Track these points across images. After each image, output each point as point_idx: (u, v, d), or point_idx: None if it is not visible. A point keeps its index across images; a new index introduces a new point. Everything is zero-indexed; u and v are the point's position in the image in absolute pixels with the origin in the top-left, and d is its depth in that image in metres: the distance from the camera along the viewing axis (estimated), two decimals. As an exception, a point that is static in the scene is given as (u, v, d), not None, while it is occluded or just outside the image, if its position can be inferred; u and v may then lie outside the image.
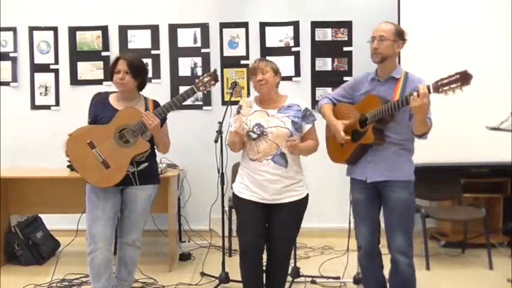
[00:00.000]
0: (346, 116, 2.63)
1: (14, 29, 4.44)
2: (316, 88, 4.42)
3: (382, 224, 2.58)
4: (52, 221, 4.10)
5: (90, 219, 2.64)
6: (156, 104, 2.76)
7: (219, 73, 4.27)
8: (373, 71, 2.62)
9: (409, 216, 2.51)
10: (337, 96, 2.76)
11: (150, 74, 4.40)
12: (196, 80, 2.70)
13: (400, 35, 2.49)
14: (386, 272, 2.59)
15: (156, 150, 2.82)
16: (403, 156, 2.52)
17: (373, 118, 2.45)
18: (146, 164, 2.70)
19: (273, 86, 2.62)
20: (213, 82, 2.68)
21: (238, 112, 2.67)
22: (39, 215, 4.08)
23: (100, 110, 2.68)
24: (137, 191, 2.69)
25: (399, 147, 2.50)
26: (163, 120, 2.74)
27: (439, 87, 2.16)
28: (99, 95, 2.78)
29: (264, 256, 2.62)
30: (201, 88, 2.67)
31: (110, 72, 2.71)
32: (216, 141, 2.92)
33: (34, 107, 4.49)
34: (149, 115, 2.58)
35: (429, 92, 2.19)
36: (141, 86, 2.78)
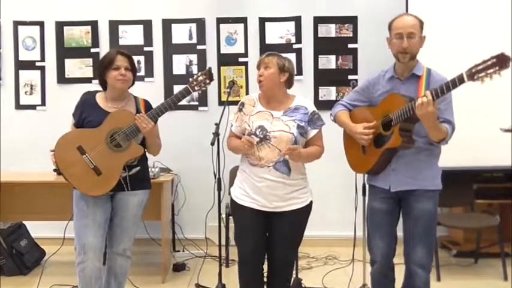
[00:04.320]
0: (365, 121, 2.55)
1: (-3, 24, 4.46)
2: (320, 87, 4.42)
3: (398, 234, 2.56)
4: (37, 229, 4.09)
5: (79, 228, 2.62)
6: (147, 103, 2.75)
7: (215, 71, 4.33)
8: (389, 68, 2.55)
9: (432, 228, 2.49)
10: (351, 101, 2.70)
11: (142, 72, 4.42)
12: (191, 79, 2.68)
13: (422, 28, 2.43)
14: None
15: (147, 154, 2.81)
16: (430, 162, 2.48)
17: (399, 118, 2.34)
18: (138, 168, 2.69)
19: (274, 84, 2.53)
20: (208, 81, 2.67)
21: (240, 110, 2.64)
22: (23, 222, 4.06)
23: (87, 112, 2.67)
24: (128, 196, 2.68)
25: (426, 153, 2.45)
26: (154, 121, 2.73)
27: (473, 74, 2.08)
28: (88, 94, 2.77)
29: (265, 267, 2.60)
30: (196, 88, 2.66)
31: (100, 69, 2.69)
32: (212, 144, 2.92)
33: (18, 106, 4.48)
34: (143, 118, 2.57)
35: (463, 81, 2.12)
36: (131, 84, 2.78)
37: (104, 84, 2.71)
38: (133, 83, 2.75)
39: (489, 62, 2.06)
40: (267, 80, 2.53)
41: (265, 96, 2.60)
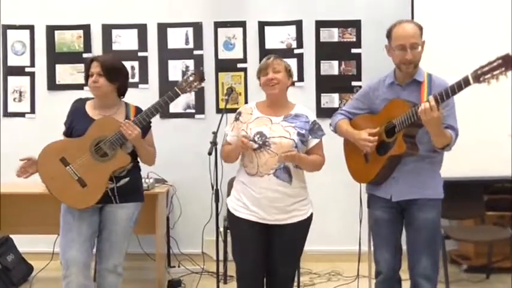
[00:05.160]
0: (367, 128, 2.56)
1: (-16, 28, 4.43)
2: (322, 94, 4.40)
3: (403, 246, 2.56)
4: (25, 243, 4.05)
5: (64, 242, 2.61)
6: (138, 110, 2.72)
7: (213, 77, 4.37)
8: (389, 74, 2.58)
9: (436, 238, 2.52)
10: (350, 109, 2.73)
11: (136, 79, 4.41)
12: (180, 80, 2.68)
13: (422, 33, 2.46)
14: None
15: (140, 163, 2.80)
16: (432, 170, 2.50)
17: (403, 124, 2.37)
18: (127, 179, 2.66)
19: (285, 88, 2.57)
20: (198, 82, 2.65)
21: (237, 119, 2.64)
22: (10, 236, 4.03)
23: (76, 120, 2.66)
24: (117, 209, 2.66)
25: (428, 160, 2.47)
26: (146, 129, 2.71)
27: (479, 76, 2.11)
28: (79, 101, 2.76)
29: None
30: (186, 89, 2.64)
31: (84, 76, 2.70)
32: (209, 154, 2.90)
33: (6, 114, 4.45)
34: (128, 124, 2.55)
35: (468, 84, 2.14)
36: (121, 91, 2.75)
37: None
38: (119, 89, 2.73)
39: (495, 63, 2.09)
40: (281, 83, 2.54)
41: (270, 102, 2.59)
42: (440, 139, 2.34)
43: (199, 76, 2.66)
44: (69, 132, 2.69)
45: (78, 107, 2.73)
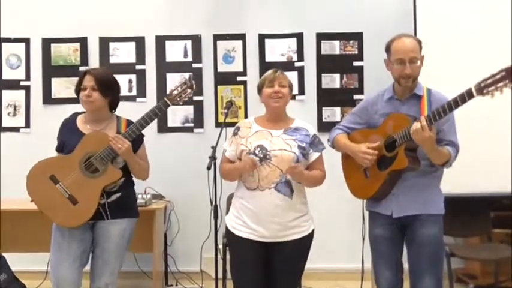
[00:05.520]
0: (367, 142, 2.58)
1: (-21, 41, 4.42)
2: (323, 108, 4.38)
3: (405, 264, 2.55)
4: (18, 261, 4.00)
5: (54, 261, 2.63)
6: (130, 123, 2.72)
7: (212, 91, 4.38)
8: (388, 88, 2.61)
9: (439, 255, 2.51)
10: (348, 124, 2.75)
11: (134, 92, 4.41)
12: (169, 90, 2.69)
13: (421, 48, 2.49)
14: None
15: (133, 178, 2.78)
16: (433, 185, 2.52)
17: (404, 138, 2.38)
18: (118, 194, 2.66)
19: (286, 103, 2.61)
20: (189, 91, 2.66)
21: (235, 134, 2.65)
22: (3, 254, 4.01)
23: (67, 136, 2.67)
24: (109, 225, 2.66)
25: (428, 175, 2.48)
26: (138, 142, 2.71)
27: (482, 88, 2.13)
28: (71, 116, 2.78)
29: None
30: (176, 99, 2.64)
31: (76, 90, 2.71)
32: (208, 169, 2.91)
33: (0, 128, 4.43)
34: (117, 138, 2.56)
35: (472, 96, 2.16)
36: (112, 105, 2.76)
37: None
38: (111, 103, 2.74)
39: (498, 76, 2.11)
40: (285, 98, 2.58)
41: (271, 116, 2.62)
42: (436, 157, 2.36)
43: (189, 84, 2.66)
44: (60, 148, 2.70)
45: (69, 121, 2.74)
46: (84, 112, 2.75)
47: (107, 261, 2.66)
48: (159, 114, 2.63)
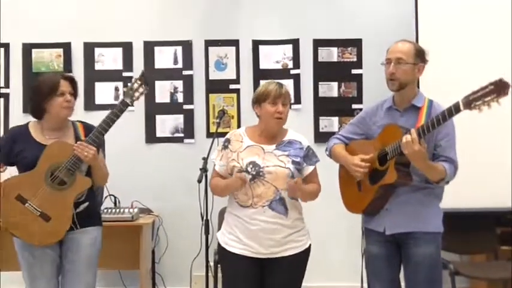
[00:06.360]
0: (362, 154, 2.59)
1: (-45, 46, 4.37)
2: (320, 117, 4.39)
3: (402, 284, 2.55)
4: (7, 280, 3.92)
5: (28, 278, 2.64)
6: (86, 127, 2.72)
7: (203, 99, 4.37)
8: (388, 99, 2.62)
9: (437, 276, 2.49)
10: (347, 134, 2.77)
11: (120, 100, 4.41)
12: (125, 89, 2.69)
13: (420, 56, 2.49)
14: None
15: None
16: (429, 202, 2.49)
17: (394, 152, 2.38)
18: (86, 203, 2.65)
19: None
20: (143, 87, 2.66)
21: (226, 147, 2.65)
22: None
23: (21, 147, 2.62)
24: (79, 235, 2.64)
25: (423, 192, 2.47)
26: (98, 146, 2.69)
27: (470, 102, 2.13)
28: (18, 127, 2.73)
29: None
30: (133, 97, 2.65)
31: (38, 96, 2.61)
32: (199, 181, 2.91)
33: (-22, 139, 4.45)
34: (82, 146, 2.53)
35: (459, 110, 2.17)
36: None
37: (40, 113, 2.65)
38: None
39: (487, 89, 2.11)
40: (286, 117, 2.58)
41: (267, 132, 2.60)
42: (429, 173, 2.36)
43: (143, 81, 2.67)
44: (11, 160, 2.66)
45: (20, 131, 2.68)
46: (33, 120, 2.71)
47: (79, 274, 2.64)
48: (120, 116, 2.63)
